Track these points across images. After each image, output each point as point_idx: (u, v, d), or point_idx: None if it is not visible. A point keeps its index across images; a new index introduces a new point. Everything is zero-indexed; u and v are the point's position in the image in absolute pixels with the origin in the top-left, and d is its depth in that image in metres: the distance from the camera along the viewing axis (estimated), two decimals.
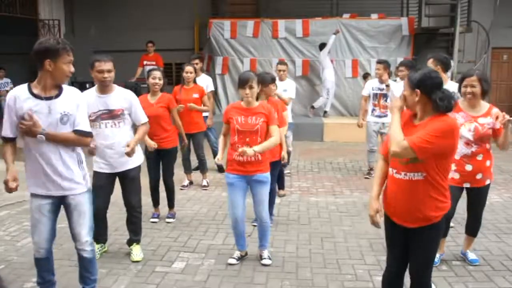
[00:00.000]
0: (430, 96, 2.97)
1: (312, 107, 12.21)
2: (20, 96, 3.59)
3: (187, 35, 14.24)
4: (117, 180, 4.77)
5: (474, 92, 4.21)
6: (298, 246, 5.12)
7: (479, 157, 4.28)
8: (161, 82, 5.71)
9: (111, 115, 4.49)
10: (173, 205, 6.05)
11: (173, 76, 14.30)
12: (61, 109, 3.51)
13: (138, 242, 4.92)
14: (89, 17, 14.70)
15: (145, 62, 12.25)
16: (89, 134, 3.65)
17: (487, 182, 4.40)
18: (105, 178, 4.66)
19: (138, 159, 4.73)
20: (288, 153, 6.17)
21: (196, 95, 7.06)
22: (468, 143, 4.27)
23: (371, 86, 7.68)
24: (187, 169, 7.45)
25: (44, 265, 3.84)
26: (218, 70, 12.95)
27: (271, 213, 5.76)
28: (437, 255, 4.60)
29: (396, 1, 13.63)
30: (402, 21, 12.62)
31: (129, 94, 4.61)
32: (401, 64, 6.78)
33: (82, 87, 9.02)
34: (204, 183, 7.41)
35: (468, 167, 4.28)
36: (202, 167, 7.51)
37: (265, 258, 4.71)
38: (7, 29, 13.81)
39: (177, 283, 4.30)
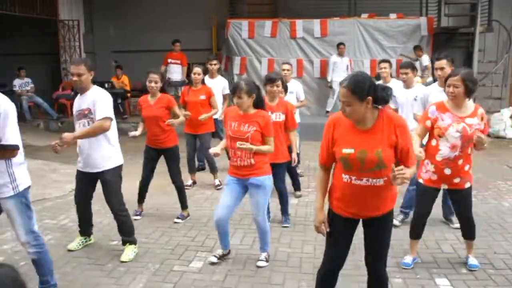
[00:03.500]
0: (376, 95, 3.01)
1: (327, 111, 12.19)
2: None
3: (205, 35, 14.27)
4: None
5: (456, 92, 4.13)
6: (316, 247, 5.09)
7: (460, 162, 4.23)
8: (157, 85, 5.72)
9: (82, 114, 4.59)
10: (185, 206, 6.01)
11: (191, 76, 14.33)
12: None
13: (130, 242, 4.88)
14: (108, 17, 14.83)
15: (169, 60, 12.31)
16: (14, 147, 3.53)
17: (467, 185, 4.36)
18: (81, 175, 4.79)
19: (111, 162, 4.69)
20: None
21: (203, 97, 7.02)
22: (454, 146, 4.19)
23: None
24: (191, 169, 7.44)
25: None
26: (236, 70, 12.96)
27: (287, 213, 5.79)
28: (410, 258, 4.61)
29: (415, 0, 13.50)
30: (421, 21, 12.51)
31: (97, 93, 4.58)
32: (406, 66, 6.26)
33: (101, 87, 9.11)
34: (217, 182, 7.37)
35: (447, 171, 4.25)
36: (211, 168, 7.44)
37: (260, 260, 4.71)
38: (28, 30, 14.03)
39: (195, 283, 4.32)
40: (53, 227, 5.67)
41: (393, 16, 12.75)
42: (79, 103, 4.62)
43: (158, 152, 5.86)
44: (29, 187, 3.79)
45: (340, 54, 11.97)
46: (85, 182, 4.82)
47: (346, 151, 3.04)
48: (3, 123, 3.44)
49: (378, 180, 3.05)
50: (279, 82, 5.52)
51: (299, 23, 12.70)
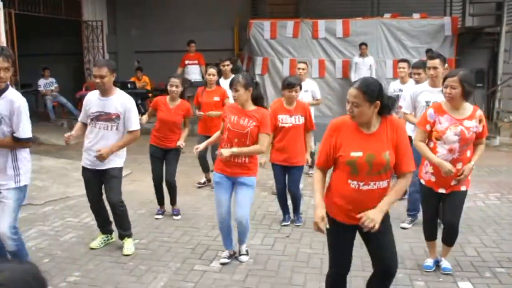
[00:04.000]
0: (383, 102, 3.07)
1: None
2: None
3: (227, 36, 14.29)
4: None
5: (454, 94, 4.05)
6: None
7: (459, 165, 4.14)
8: (179, 89, 5.84)
9: (107, 117, 4.65)
10: (175, 202, 6.09)
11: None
12: None
13: (129, 236, 5.00)
14: (130, 18, 14.94)
15: (186, 62, 12.36)
16: (29, 140, 3.85)
17: (463, 188, 4.24)
18: (90, 172, 4.84)
19: (120, 161, 4.84)
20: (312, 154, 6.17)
21: (217, 98, 7.04)
22: (451, 150, 4.11)
23: (393, 87, 7.33)
24: (205, 168, 7.45)
25: None
26: (257, 70, 12.95)
27: (298, 213, 5.82)
28: (431, 260, 4.53)
29: (439, 0, 13.33)
30: (445, 21, 12.33)
31: (127, 100, 4.72)
32: (419, 66, 6.11)
33: (123, 87, 9.21)
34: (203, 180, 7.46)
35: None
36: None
37: (243, 254, 4.76)
38: (52, 31, 14.24)
39: (216, 282, 4.33)
40: (75, 225, 5.74)
41: (416, 16, 12.60)
42: (102, 105, 4.67)
43: (164, 151, 5.94)
44: (27, 185, 3.97)
45: (362, 55, 11.90)
46: (94, 180, 4.89)
47: (355, 154, 3.06)
48: (18, 118, 3.73)
49: (383, 182, 3.11)
50: (298, 87, 5.54)
51: (321, 23, 12.64)
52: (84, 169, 4.90)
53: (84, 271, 4.50)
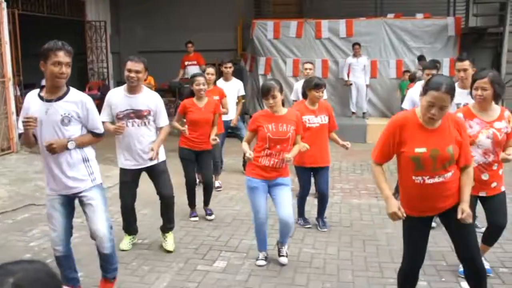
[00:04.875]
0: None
1: (353, 112, 12.14)
2: (28, 99, 3.75)
3: (230, 36, 14.31)
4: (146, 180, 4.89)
5: (485, 95, 3.98)
6: (340, 248, 5.07)
7: (495, 167, 4.12)
8: (205, 87, 5.86)
9: (138, 115, 4.67)
10: (208, 203, 6.12)
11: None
12: (63, 111, 3.64)
13: (171, 229, 5.10)
14: (134, 18, 14.96)
15: (186, 63, 12.38)
16: (104, 134, 3.94)
17: (503, 188, 4.21)
18: (129, 173, 4.86)
19: (161, 155, 4.90)
20: None
21: (216, 97, 6.95)
22: (486, 153, 4.09)
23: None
24: (215, 170, 7.43)
25: (64, 263, 3.96)
26: (261, 70, 12.95)
27: (323, 216, 5.78)
28: (487, 263, 4.42)
29: (442, 0, 13.31)
30: (449, 21, 12.31)
31: (156, 97, 4.79)
32: (432, 67, 6.09)
33: None
34: (217, 184, 7.38)
35: (485, 176, 4.10)
36: (215, 169, 7.36)
37: (282, 256, 4.74)
38: (56, 31, 14.21)
39: (218, 282, 4.33)
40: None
41: (419, 16, 12.58)
42: (130, 103, 4.67)
43: (196, 154, 5.93)
44: (102, 183, 3.99)
45: (356, 55, 11.89)
46: (135, 181, 4.94)
47: (419, 150, 3.17)
48: (92, 114, 3.77)
49: (448, 174, 3.22)
50: (323, 88, 5.58)
51: (325, 24, 12.63)
52: (125, 171, 4.89)
53: (87, 271, 4.51)
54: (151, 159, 4.62)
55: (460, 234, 3.34)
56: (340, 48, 12.57)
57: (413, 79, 11.55)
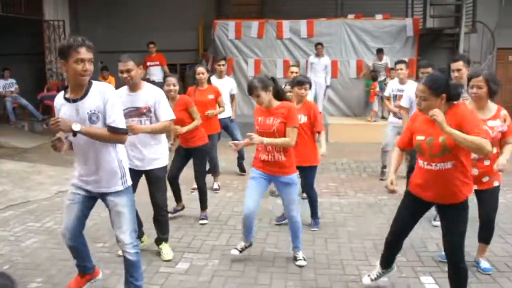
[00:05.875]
0: (450, 93, 3.48)
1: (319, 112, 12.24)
2: (57, 103, 3.62)
3: (192, 36, 14.24)
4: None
5: (480, 94, 4.14)
6: (302, 247, 5.11)
7: (486, 162, 4.23)
8: (176, 87, 5.71)
9: (137, 112, 4.51)
10: (206, 207, 6.02)
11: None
12: (88, 108, 3.47)
13: (166, 240, 4.96)
14: (93, 18, 14.71)
15: (148, 63, 12.27)
16: (122, 131, 3.56)
17: (495, 184, 4.32)
18: (131, 172, 4.65)
19: (163, 160, 4.74)
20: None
21: (211, 96, 6.92)
22: None
23: (391, 87, 7.51)
24: (214, 171, 7.42)
25: (75, 252, 3.91)
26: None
27: (316, 216, 5.76)
28: (487, 263, 4.58)
29: (400, 1, 13.57)
30: (407, 22, 12.59)
31: (156, 92, 4.56)
32: (427, 66, 6.39)
33: None
34: (216, 186, 7.31)
35: (475, 171, 4.19)
36: (214, 170, 7.36)
37: (300, 259, 4.72)
38: (12, 30, 13.87)
39: (181, 284, 4.31)
40: (37, 230, 5.62)
41: (379, 17, 12.81)
42: (132, 101, 4.50)
43: (187, 151, 5.88)
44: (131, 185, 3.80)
45: (318, 55, 12.02)
46: (134, 180, 4.56)
47: (419, 138, 3.62)
48: (112, 108, 3.49)
49: (445, 164, 3.50)
50: (307, 85, 5.49)
51: (286, 24, 12.73)
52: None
53: (46, 276, 4.42)
54: (131, 130, 4.19)
55: (447, 230, 3.66)
56: (301, 48, 12.69)
57: (375, 78, 11.88)
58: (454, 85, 3.55)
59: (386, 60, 12.01)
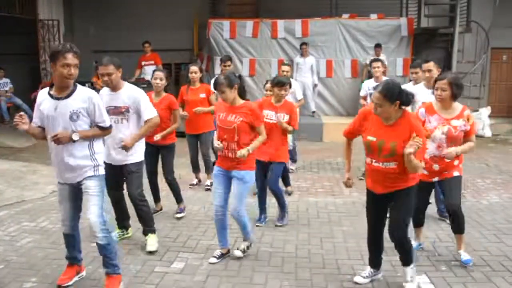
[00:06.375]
0: (403, 100, 3.75)
1: (313, 112, 12.24)
2: (40, 97, 4.04)
3: (186, 35, 14.22)
4: None
5: (444, 96, 4.39)
6: (298, 247, 5.12)
7: (447, 160, 4.48)
8: (163, 82, 5.83)
9: (116, 111, 4.74)
10: (180, 200, 6.15)
11: (173, 76, 14.29)
12: (71, 107, 3.87)
13: (152, 232, 5.08)
14: (88, 17, 14.68)
15: (143, 63, 12.26)
16: (109, 127, 4.12)
17: (455, 174, 4.54)
18: (109, 168, 4.76)
19: (138, 156, 4.91)
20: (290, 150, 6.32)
21: (203, 95, 7.00)
22: (440, 146, 4.46)
23: (367, 86, 7.57)
24: (195, 169, 7.47)
25: (69, 241, 4.24)
26: (217, 70, 12.84)
27: (284, 212, 5.84)
28: (415, 243, 4.74)
29: (395, 1, 13.60)
30: (401, 22, 12.61)
31: (135, 92, 4.80)
32: (415, 66, 6.44)
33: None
34: (208, 183, 7.32)
35: (435, 167, 4.52)
36: (207, 167, 7.40)
37: (237, 249, 4.84)
38: (7, 29, 13.81)
39: (176, 283, 4.31)
40: (32, 230, 5.60)
41: (373, 16, 12.83)
42: (112, 99, 4.77)
43: (157, 148, 5.92)
44: (104, 175, 4.15)
45: (304, 55, 12.01)
46: (113, 173, 4.83)
47: (370, 138, 3.89)
48: (99, 109, 3.98)
49: (390, 163, 3.85)
50: (287, 86, 5.68)
51: (281, 24, 12.73)
52: (104, 163, 4.78)
53: (41, 276, 4.41)
54: (124, 149, 4.61)
55: (392, 209, 4.06)
56: (296, 48, 12.67)
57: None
58: (406, 93, 3.76)
59: (383, 57, 11.97)
